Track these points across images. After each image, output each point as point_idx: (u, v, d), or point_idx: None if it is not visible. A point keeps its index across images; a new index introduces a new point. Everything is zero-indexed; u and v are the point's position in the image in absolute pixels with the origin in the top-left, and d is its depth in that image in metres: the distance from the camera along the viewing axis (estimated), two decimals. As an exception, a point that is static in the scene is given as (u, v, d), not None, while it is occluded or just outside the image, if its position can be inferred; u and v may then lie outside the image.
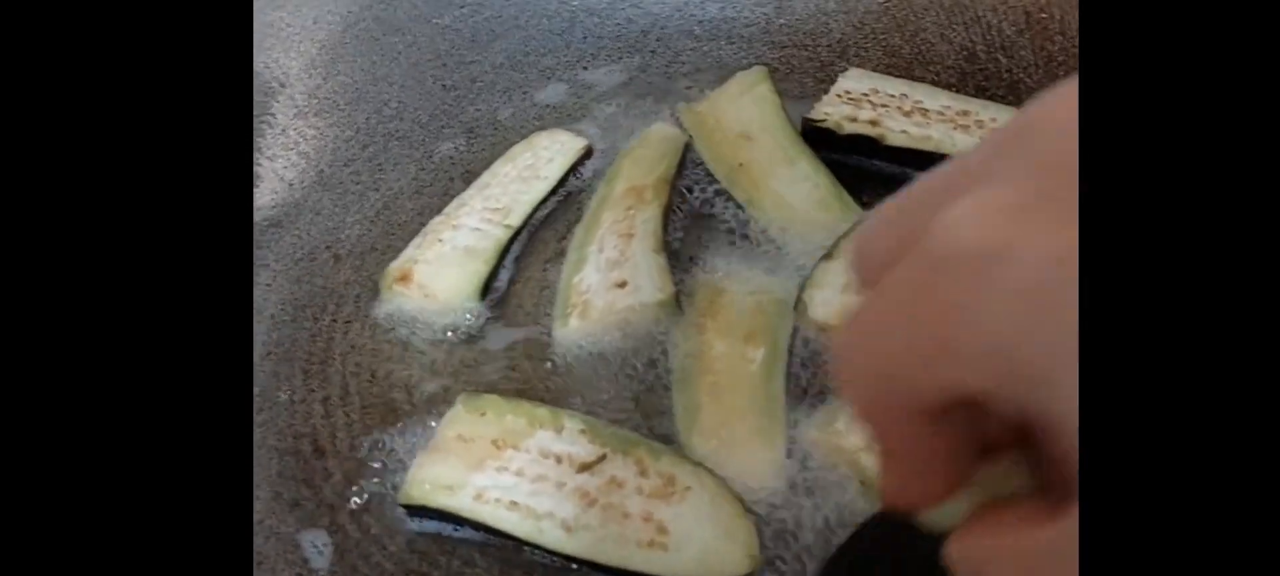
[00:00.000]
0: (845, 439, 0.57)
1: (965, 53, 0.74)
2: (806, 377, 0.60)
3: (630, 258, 0.67)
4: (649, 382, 0.61)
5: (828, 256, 0.65)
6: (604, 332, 0.64)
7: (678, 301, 0.64)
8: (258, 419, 0.63)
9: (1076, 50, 0.71)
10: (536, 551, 0.55)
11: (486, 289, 0.66)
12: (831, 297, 0.64)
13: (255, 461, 0.61)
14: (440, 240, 0.68)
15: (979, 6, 0.74)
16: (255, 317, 0.67)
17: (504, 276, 0.68)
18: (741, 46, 0.80)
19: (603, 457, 0.58)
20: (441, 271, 0.67)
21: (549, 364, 0.63)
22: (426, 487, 0.58)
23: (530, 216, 0.70)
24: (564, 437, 0.59)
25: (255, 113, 0.74)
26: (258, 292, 0.68)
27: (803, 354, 0.61)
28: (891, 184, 0.66)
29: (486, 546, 0.56)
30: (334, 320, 0.67)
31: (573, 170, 0.73)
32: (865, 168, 0.70)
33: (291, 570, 0.57)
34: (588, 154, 0.73)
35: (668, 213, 0.69)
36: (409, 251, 0.68)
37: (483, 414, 0.60)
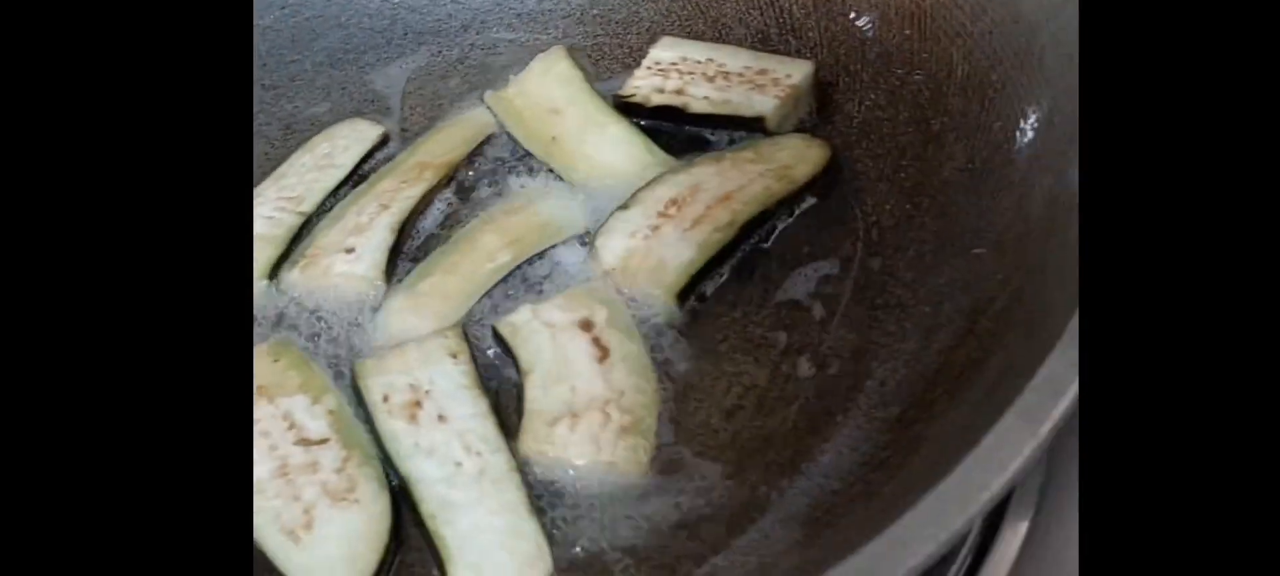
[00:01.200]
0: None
1: (760, 35, 0.77)
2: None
3: (371, 228, 0.68)
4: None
5: (624, 206, 0.67)
6: (316, 291, 0.67)
7: (387, 280, 0.66)
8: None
9: (858, 31, 0.73)
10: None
11: (275, 270, 0.67)
12: (619, 243, 0.65)
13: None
14: None
15: (773, -10, 0.77)
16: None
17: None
18: (556, 36, 0.81)
19: (324, 442, 0.59)
20: None
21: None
22: None
23: (323, 202, 0.71)
24: (313, 410, 0.60)
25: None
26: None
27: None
28: (698, 144, 0.70)
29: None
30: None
31: (368, 157, 0.74)
32: (675, 133, 0.72)
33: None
34: (385, 141, 0.75)
35: (432, 194, 0.71)
36: None
37: (276, 360, 0.62)
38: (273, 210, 0.70)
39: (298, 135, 0.76)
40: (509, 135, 0.74)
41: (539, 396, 0.60)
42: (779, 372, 0.60)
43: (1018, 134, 0.61)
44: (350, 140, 0.74)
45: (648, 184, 0.69)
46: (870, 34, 0.72)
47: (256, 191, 0.72)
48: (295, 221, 0.69)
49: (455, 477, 0.56)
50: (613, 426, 0.58)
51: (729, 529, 0.54)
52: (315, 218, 0.70)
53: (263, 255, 0.67)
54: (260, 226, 0.69)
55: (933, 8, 0.69)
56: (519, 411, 0.60)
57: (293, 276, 0.67)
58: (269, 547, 0.55)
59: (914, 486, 0.49)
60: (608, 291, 0.64)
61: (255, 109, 0.78)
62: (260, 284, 0.67)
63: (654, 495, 0.56)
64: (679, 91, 0.73)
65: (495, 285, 0.66)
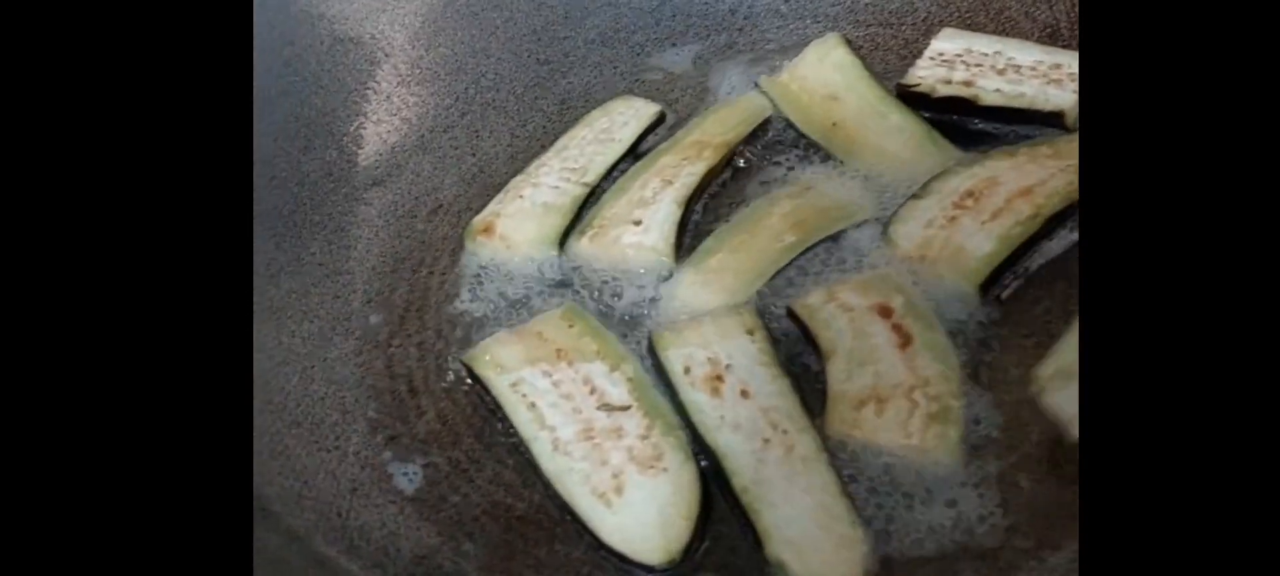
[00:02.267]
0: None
1: (1048, 30, 0.75)
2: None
3: (656, 202, 0.69)
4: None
5: (917, 195, 0.66)
6: (603, 259, 0.67)
7: (675, 256, 0.66)
8: (357, 360, 0.64)
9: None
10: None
11: (563, 240, 0.68)
12: (916, 231, 0.64)
13: (354, 398, 0.63)
14: (521, 196, 0.71)
15: (1063, -21, 0.75)
16: (357, 268, 0.69)
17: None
18: (827, 25, 0.80)
19: (627, 408, 0.59)
20: (521, 224, 0.69)
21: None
22: (485, 359, 0.62)
23: (605, 175, 0.72)
24: (612, 376, 0.60)
25: (360, 80, 0.76)
26: (360, 246, 0.70)
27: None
28: (989, 139, 0.69)
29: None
30: (430, 271, 0.69)
31: (645, 134, 0.74)
32: (962, 126, 0.71)
33: (384, 497, 0.58)
34: (661, 119, 0.75)
35: (714, 174, 0.71)
36: (492, 205, 0.71)
37: (571, 325, 0.63)
38: (557, 180, 0.71)
39: (572, 110, 0.77)
40: (786, 120, 0.74)
41: (842, 379, 0.59)
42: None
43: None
44: (628, 116, 0.75)
45: (940, 174, 0.67)
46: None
47: (540, 161, 0.73)
48: (580, 192, 0.70)
49: (764, 454, 0.56)
50: (920, 412, 0.57)
51: (1043, 531, 0.52)
52: (597, 190, 0.71)
53: (550, 224, 0.68)
54: (547, 195, 0.70)
55: None
56: (818, 393, 0.59)
57: (581, 245, 0.68)
58: (581, 508, 0.55)
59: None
60: (903, 278, 0.63)
61: (531, 83, 0.79)
62: (550, 253, 0.68)
63: (965, 485, 0.55)
64: (967, 83, 0.71)
65: (783, 265, 0.66)
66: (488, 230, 0.69)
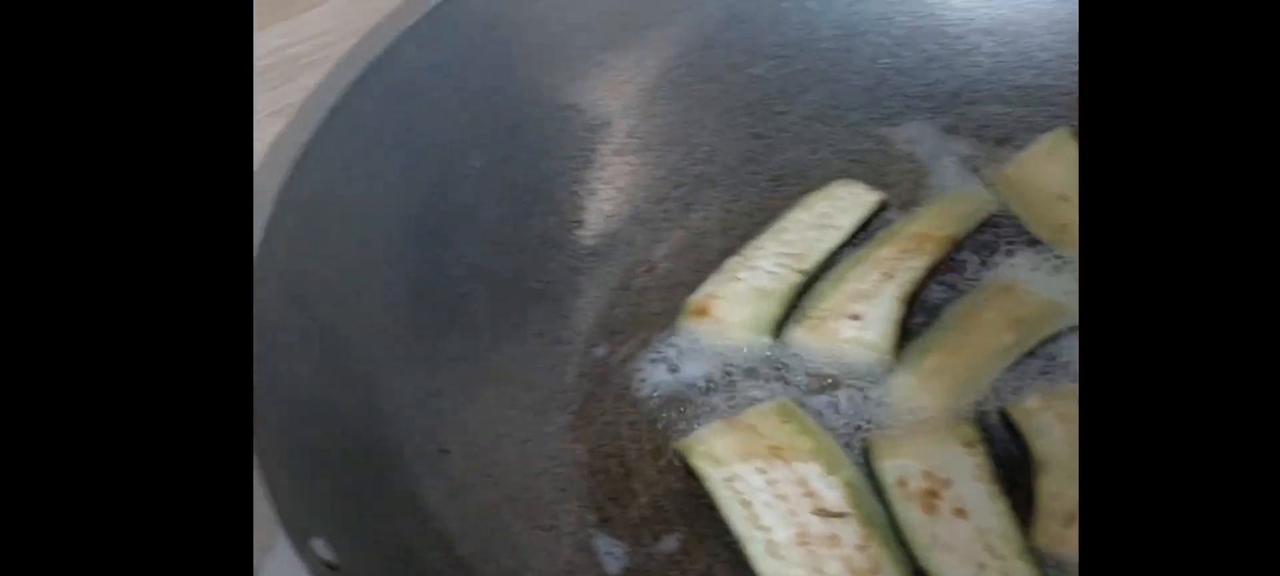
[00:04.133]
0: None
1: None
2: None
3: (876, 295, 0.68)
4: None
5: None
6: (820, 352, 0.67)
7: (896, 355, 0.66)
8: (573, 434, 0.66)
9: None
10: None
11: (779, 328, 0.68)
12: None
13: (570, 475, 0.64)
14: (737, 278, 0.71)
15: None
16: (574, 338, 0.70)
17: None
18: (1054, 113, 0.78)
19: (843, 516, 0.58)
20: (736, 308, 0.69)
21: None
22: (700, 450, 0.62)
23: (823, 263, 0.71)
24: (829, 480, 0.60)
25: (580, 149, 0.78)
26: (577, 316, 0.72)
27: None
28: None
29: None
30: (643, 344, 0.69)
31: (867, 223, 0.73)
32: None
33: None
34: (883, 207, 0.74)
35: (935, 268, 0.70)
36: (708, 287, 0.71)
37: (785, 421, 0.63)
38: (774, 265, 0.71)
39: (787, 187, 0.77)
40: (1011, 216, 0.72)
41: (1053, 491, 0.58)
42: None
43: None
44: (848, 202, 0.74)
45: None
46: None
47: (755, 242, 0.73)
48: (797, 279, 0.70)
49: (980, 578, 0.55)
50: None
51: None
52: (815, 278, 0.71)
53: (767, 311, 0.68)
54: (762, 280, 0.70)
55: None
56: (1029, 499, 0.58)
57: (797, 335, 0.68)
58: (797, 617, 0.56)
59: None
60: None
61: (744, 157, 0.80)
62: (764, 338, 0.68)
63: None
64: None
65: (1003, 368, 0.64)
66: (702, 311, 0.69)
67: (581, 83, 0.81)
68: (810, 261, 0.71)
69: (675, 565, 0.60)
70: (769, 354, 0.68)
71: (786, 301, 0.69)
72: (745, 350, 0.68)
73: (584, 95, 0.80)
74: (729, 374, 0.67)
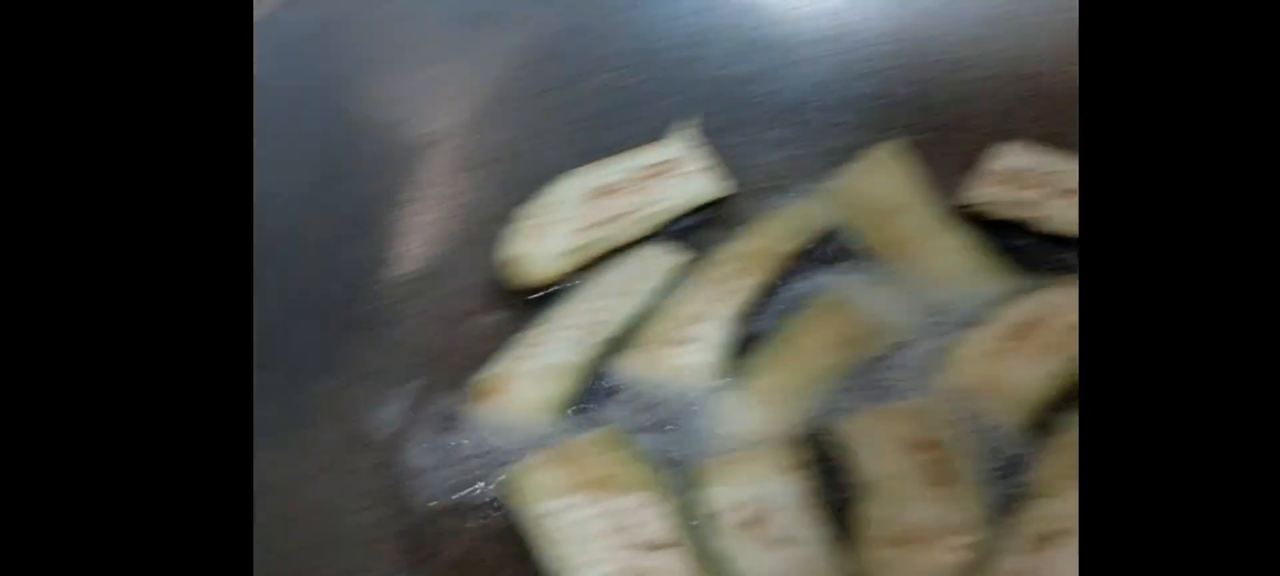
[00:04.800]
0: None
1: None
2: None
3: (707, 317, 0.67)
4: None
5: (971, 323, 0.64)
6: (649, 379, 0.65)
7: (727, 373, 0.65)
8: (386, 475, 0.63)
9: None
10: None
11: (571, 404, 0.65)
12: (967, 361, 0.63)
13: (382, 515, 0.62)
14: (531, 355, 0.67)
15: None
16: (394, 368, 0.68)
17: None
18: (888, 123, 0.78)
19: (668, 547, 0.57)
20: (529, 387, 0.65)
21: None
22: (521, 484, 0.60)
23: (624, 331, 0.68)
24: (654, 511, 0.59)
25: (410, 167, 0.76)
26: (398, 348, 0.69)
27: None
28: (1050, 264, 0.66)
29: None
30: (470, 375, 0.67)
31: (666, 288, 0.70)
32: (1023, 248, 0.69)
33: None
34: (688, 266, 0.71)
35: (768, 287, 0.69)
36: (499, 365, 0.66)
37: (613, 452, 0.61)
38: (573, 338, 0.67)
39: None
40: (842, 231, 0.72)
41: (874, 514, 0.58)
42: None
43: None
44: (650, 266, 0.71)
45: (996, 302, 0.65)
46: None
47: (555, 314, 0.69)
48: (596, 352, 0.67)
49: (801, 605, 0.55)
50: (947, 559, 0.55)
51: None
52: (613, 349, 0.67)
53: (561, 388, 0.65)
54: (560, 355, 0.67)
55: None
56: (855, 523, 0.58)
57: (625, 364, 0.66)
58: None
59: None
60: (950, 410, 0.62)
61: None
62: (558, 417, 0.65)
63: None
64: (1031, 204, 0.69)
65: (831, 387, 0.64)
66: (492, 392, 0.65)
67: (412, 98, 0.78)
68: (610, 331, 0.68)
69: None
70: (558, 433, 0.65)
71: (585, 375, 0.66)
72: (532, 432, 0.64)
73: (415, 111, 0.78)
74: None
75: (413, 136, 0.76)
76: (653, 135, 0.79)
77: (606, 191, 0.75)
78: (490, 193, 0.76)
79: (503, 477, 0.61)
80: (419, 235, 0.74)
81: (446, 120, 0.78)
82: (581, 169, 0.76)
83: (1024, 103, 0.76)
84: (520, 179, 0.77)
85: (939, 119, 0.78)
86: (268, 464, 0.60)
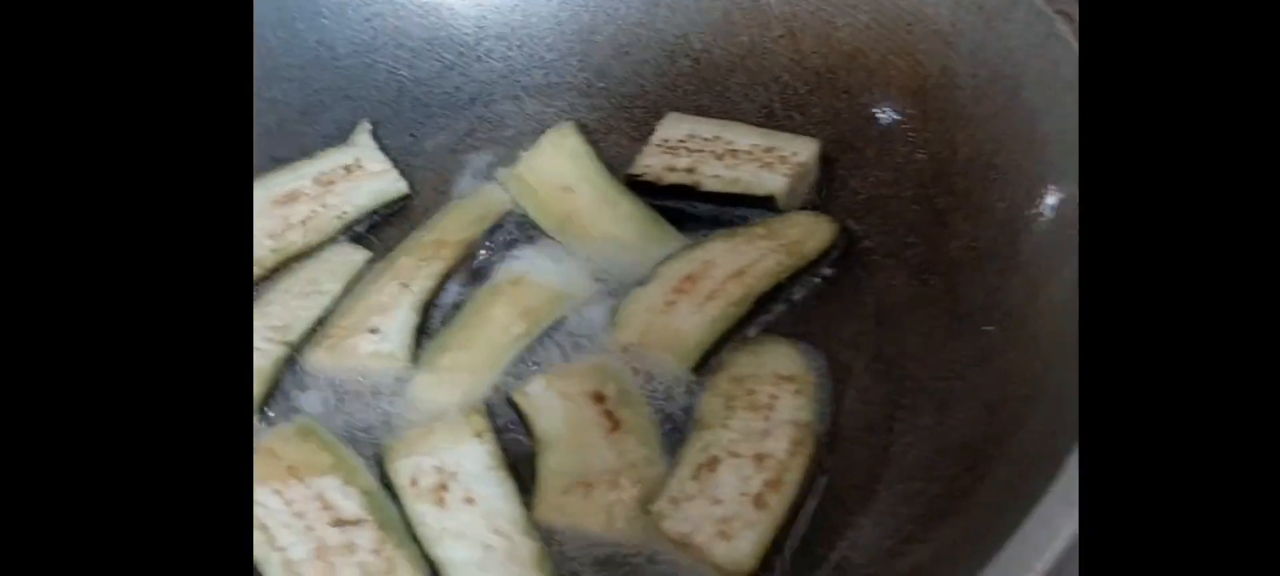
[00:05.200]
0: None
1: (765, 111, 0.78)
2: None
3: (394, 307, 0.69)
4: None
5: (642, 282, 0.69)
6: (341, 370, 0.67)
7: (415, 358, 0.67)
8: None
9: (862, 106, 0.75)
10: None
11: (263, 405, 0.66)
12: (636, 317, 0.67)
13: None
14: None
15: (776, 67, 0.78)
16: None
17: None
18: (562, 109, 0.82)
19: (359, 522, 0.59)
20: None
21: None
22: None
23: (309, 331, 0.70)
24: (346, 490, 0.61)
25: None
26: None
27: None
28: (711, 222, 0.72)
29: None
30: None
31: (352, 284, 0.72)
32: (687, 211, 0.74)
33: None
34: (370, 264, 0.74)
35: (451, 272, 0.72)
36: None
37: (306, 440, 0.63)
38: (260, 342, 0.68)
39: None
40: (520, 213, 0.75)
41: (552, 465, 0.62)
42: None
43: (1026, 216, 0.63)
44: (336, 264, 0.73)
45: (664, 260, 0.70)
46: (873, 113, 0.75)
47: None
48: (281, 353, 0.68)
49: (485, 561, 0.58)
50: (625, 496, 0.60)
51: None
52: (300, 347, 0.69)
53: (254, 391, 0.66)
54: None
55: (934, 89, 0.72)
56: (534, 478, 0.61)
57: (317, 357, 0.68)
58: (309, 631, 0.56)
59: (943, 567, 0.51)
60: (620, 364, 0.66)
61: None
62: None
63: (676, 570, 0.57)
64: (690, 170, 0.75)
65: (515, 357, 0.67)
66: None
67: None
68: (296, 332, 0.69)
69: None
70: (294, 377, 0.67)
71: (272, 378, 0.67)
72: None
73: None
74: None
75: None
76: (331, 142, 0.81)
77: (289, 198, 0.76)
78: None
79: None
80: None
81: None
82: (262, 178, 0.76)
83: (684, 77, 0.82)
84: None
85: (609, 100, 0.83)
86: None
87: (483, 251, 0.74)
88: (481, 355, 0.67)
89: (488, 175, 0.79)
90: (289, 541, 0.59)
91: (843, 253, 0.71)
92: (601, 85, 0.84)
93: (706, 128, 0.77)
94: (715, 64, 0.82)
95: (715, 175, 0.74)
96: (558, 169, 0.77)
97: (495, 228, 0.75)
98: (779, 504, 0.58)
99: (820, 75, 0.78)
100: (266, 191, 0.76)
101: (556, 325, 0.69)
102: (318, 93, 0.83)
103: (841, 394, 0.64)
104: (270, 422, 0.66)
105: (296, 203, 0.76)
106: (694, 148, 0.76)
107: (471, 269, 0.73)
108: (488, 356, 0.67)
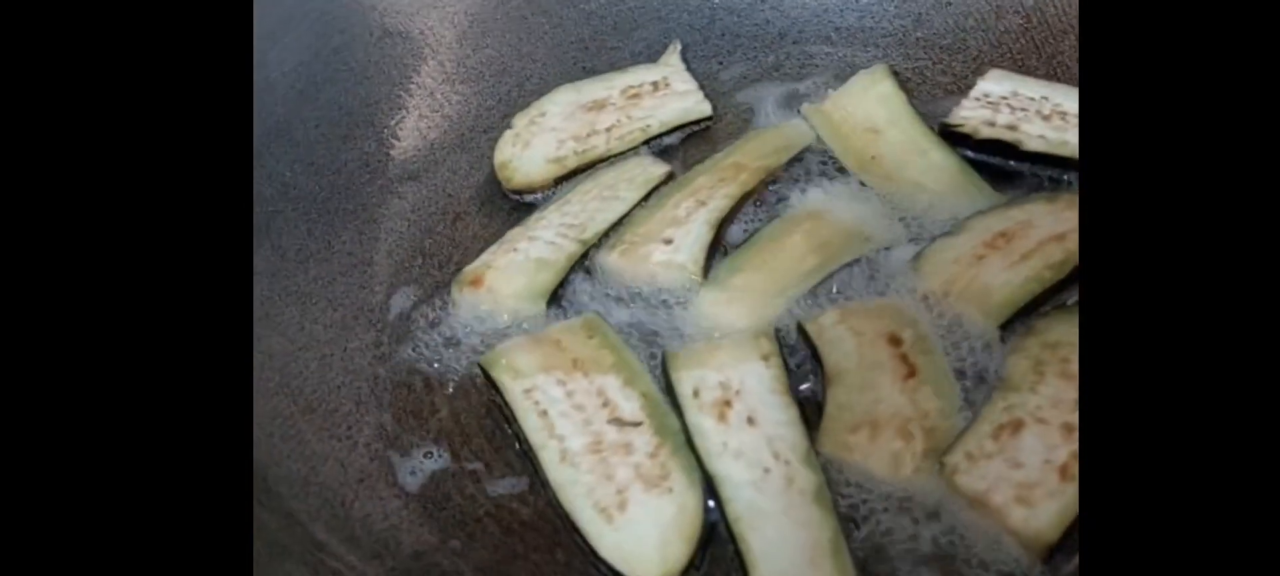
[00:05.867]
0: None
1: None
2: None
3: (688, 221, 0.68)
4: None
5: (950, 232, 0.66)
6: (631, 275, 0.67)
7: (706, 274, 0.67)
8: (376, 352, 0.65)
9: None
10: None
11: (553, 297, 0.66)
12: (942, 266, 0.64)
13: (370, 390, 0.63)
14: (515, 249, 0.68)
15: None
16: (384, 260, 0.69)
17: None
18: (876, 54, 0.80)
19: (638, 424, 0.59)
20: (511, 278, 0.67)
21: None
22: (502, 363, 0.62)
23: (605, 232, 0.70)
24: (626, 391, 0.60)
25: (405, 74, 0.77)
26: (391, 239, 0.71)
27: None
28: (1029, 183, 0.68)
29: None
30: (458, 269, 0.69)
31: (651, 193, 0.72)
32: (1003, 168, 0.70)
33: (389, 491, 0.60)
34: (669, 178, 0.73)
35: (748, 197, 0.71)
36: (485, 256, 0.68)
37: (590, 336, 0.63)
38: (554, 236, 0.69)
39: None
40: (825, 149, 0.73)
41: (842, 400, 0.59)
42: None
43: None
44: (635, 175, 0.73)
45: (975, 214, 0.67)
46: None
47: (539, 214, 0.71)
48: (575, 249, 0.68)
49: (763, 483, 0.56)
50: (915, 446, 0.57)
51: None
52: (594, 247, 0.69)
53: (542, 281, 0.67)
54: (541, 250, 0.68)
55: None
56: (820, 410, 0.59)
57: (610, 260, 0.68)
58: (581, 521, 0.56)
59: None
60: (921, 312, 0.63)
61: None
62: (536, 308, 0.66)
63: (963, 528, 0.54)
64: (1011, 127, 0.70)
65: (807, 288, 0.65)
66: (476, 282, 0.67)
67: (412, 8, 0.80)
68: (591, 232, 0.69)
69: (469, 476, 0.60)
70: (539, 323, 0.66)
71: (563, 271, 0.67)
72: (514, 320, 0.66)
73: (413, 21, 0.80)
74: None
75: (412, 46, 0.78)
76: (640, 59, 0.81)
77: (597, 105, 0.77)
78: (482, 104, 0.79)
79: (486, 357, 0.63)
80: (410, 140, 0.76)
81: (439, 31, 0.80)
82: (574, 83, 0.78)
83: (1011, 35, 0.78)
84: (511, 93, 0.79)
85: (926, 50, 0.80)
86: (263, 338, 0.63)
87: (781, 182, 0.72)
88: (773, 280, 0.66)
89: (792, 109, 0.77)
90: (567, 431, 0.59)
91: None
92: (919, 34, 0.81)
93: (1033, 87, 0.73)
94: (1047, 23, 0.78)
95: (1040, 135, 0.70)
96: (866, 110, 0.74)
97: (796, 159, 0.73)
98: (1087, 479, 0.54)
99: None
100: (575, 95, 0.77)
101: (854, 263, 0.66)
102: (631, 10, 0.83)
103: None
104: (556, 314, 0.66)
105: (603, 110, 0.76)
106: (1017, 105, 0.72)
107: (769, 199, 0.71)
108: (779, 282, 0.66)
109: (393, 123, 0.76)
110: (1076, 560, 0.52)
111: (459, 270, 0.68)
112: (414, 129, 0.76)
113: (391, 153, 0.75)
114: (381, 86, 0.76)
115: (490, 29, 0.81)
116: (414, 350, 0.65)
